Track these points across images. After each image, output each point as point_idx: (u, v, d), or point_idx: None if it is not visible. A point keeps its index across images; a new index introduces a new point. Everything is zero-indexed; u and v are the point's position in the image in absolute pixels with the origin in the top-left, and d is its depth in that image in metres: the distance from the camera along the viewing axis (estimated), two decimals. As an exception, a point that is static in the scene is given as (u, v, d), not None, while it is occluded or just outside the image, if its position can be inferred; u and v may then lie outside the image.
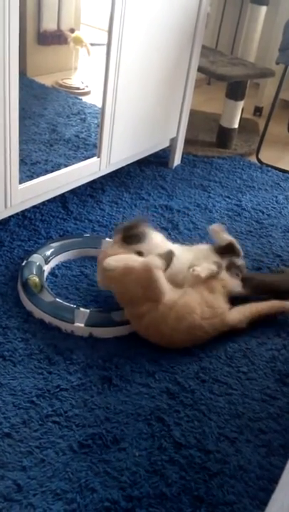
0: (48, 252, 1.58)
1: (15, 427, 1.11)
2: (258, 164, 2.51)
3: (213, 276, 1.44)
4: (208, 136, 2.69)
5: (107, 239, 1.68)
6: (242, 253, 1.56)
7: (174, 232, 1.86)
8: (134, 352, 1.34)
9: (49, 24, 1.86)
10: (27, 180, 1.61)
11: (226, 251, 1.52)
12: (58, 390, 1.21)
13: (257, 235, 1.93)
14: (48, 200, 1.84)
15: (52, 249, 1.60)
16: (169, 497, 1.03)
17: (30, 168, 1.69)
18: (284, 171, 2.47)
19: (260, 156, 2.56)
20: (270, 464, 1.12)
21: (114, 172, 2.08)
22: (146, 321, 1.33)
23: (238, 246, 1.55)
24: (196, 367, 1.32)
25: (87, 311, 1.39)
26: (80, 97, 2.03)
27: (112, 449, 1.10)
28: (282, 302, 1.49)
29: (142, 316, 1.34)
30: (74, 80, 2.02)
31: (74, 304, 1.42)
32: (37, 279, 1.41)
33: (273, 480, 1.08)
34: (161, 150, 2.28)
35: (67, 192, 1.92)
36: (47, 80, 1.94)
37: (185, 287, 1.41)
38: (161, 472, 1.07)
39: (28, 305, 1.41)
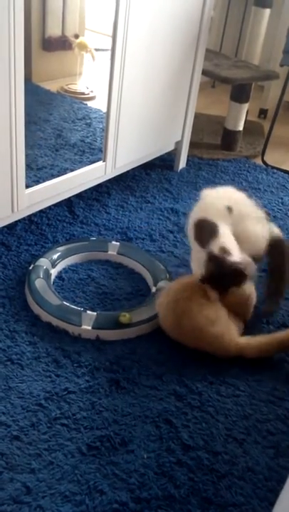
0: (55, 256, 1.59)
1: (23, 429, 1.12)
2: (264, 166, 2.51)
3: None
4: (213, 139, 2.69)
5: (114, 242, 1.69)
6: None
7: (179, 234, 1.86)
8: (142, 354, 1.34)
9: (54, 30, 1.88)
10: (33, 185, 1.63)
11: None
12: (66, 392, 1.21)
13: (263, 237, 1.93)
14: (55, 205, 1.85)
15: (58, 253, 1.60)
16: (178, 499, 1.03)
17: (36, 173, 1.70)
18: (289, 173, 2.47)
19: (265, 158, 2.56)
20: (279, 465, 1.12)
21: (119, 176, 2.08)
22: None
23: None
24: (203, 369, 1.32)
25: (94, 313, 1.39)
26: (85, 102, 2.05)
27: (120, 451, 1.10)
28: None
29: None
30: (79, 85, 2.04)
31: (81, 307, 1.42)
32: (127, 315, 1.40)
33: (282, 481, 1.08)
34: (166, 153, 2.29)
35: (73, 196, 1.93)
36: (52, 86, 1.96)
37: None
38: (170, 474, 1.07)
39: (36, 308, 1.42)
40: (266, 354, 1.36)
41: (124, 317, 1.38)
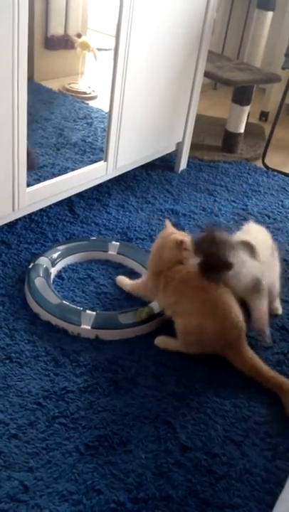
0: (55, 255, 1.59)
1: (22, 428, 1.12)
2: (264, 169, 2.52)
3: None
4: (214, 141, 2.69)
5: (114, 242, 1.69)
6: None
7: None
8: (140, 354, 1.34)
9: (56, 29, 1.88)
10: (34, 184, 1.62)
11: None
12: (65, 391, 1.21)
13: (263, 239, 1.93)
14: (55, 204, 1.85)
15: (58, 252, 1.60)
16: (175, 499, 1.03)
17: (37, 171, 1.70)
18: (290, 176, 2.47)
19: (266, 161, 2.56)
20: (276, 467, 1.12)
21: (120, 176, 2.08)
22: None
23: None
24: (202, 370, 1.32)
25: (94, 313, 1.39)
26: (87, 102, 2.05)
27: (118, 451, 1.10)
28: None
29: None
30: (81, 85, 2.04)
31: (80, 307, 1.42)
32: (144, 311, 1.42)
33: (279, 483, 1.08)
34: (167, 154, 2.29)
35: (74, 195, 1.92)
36: (54, 85, 1.95)
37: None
38: (167, 474, 1.07)
39: (35, 307, 1.42)
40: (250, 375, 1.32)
41: (145, 312, 1.41)
